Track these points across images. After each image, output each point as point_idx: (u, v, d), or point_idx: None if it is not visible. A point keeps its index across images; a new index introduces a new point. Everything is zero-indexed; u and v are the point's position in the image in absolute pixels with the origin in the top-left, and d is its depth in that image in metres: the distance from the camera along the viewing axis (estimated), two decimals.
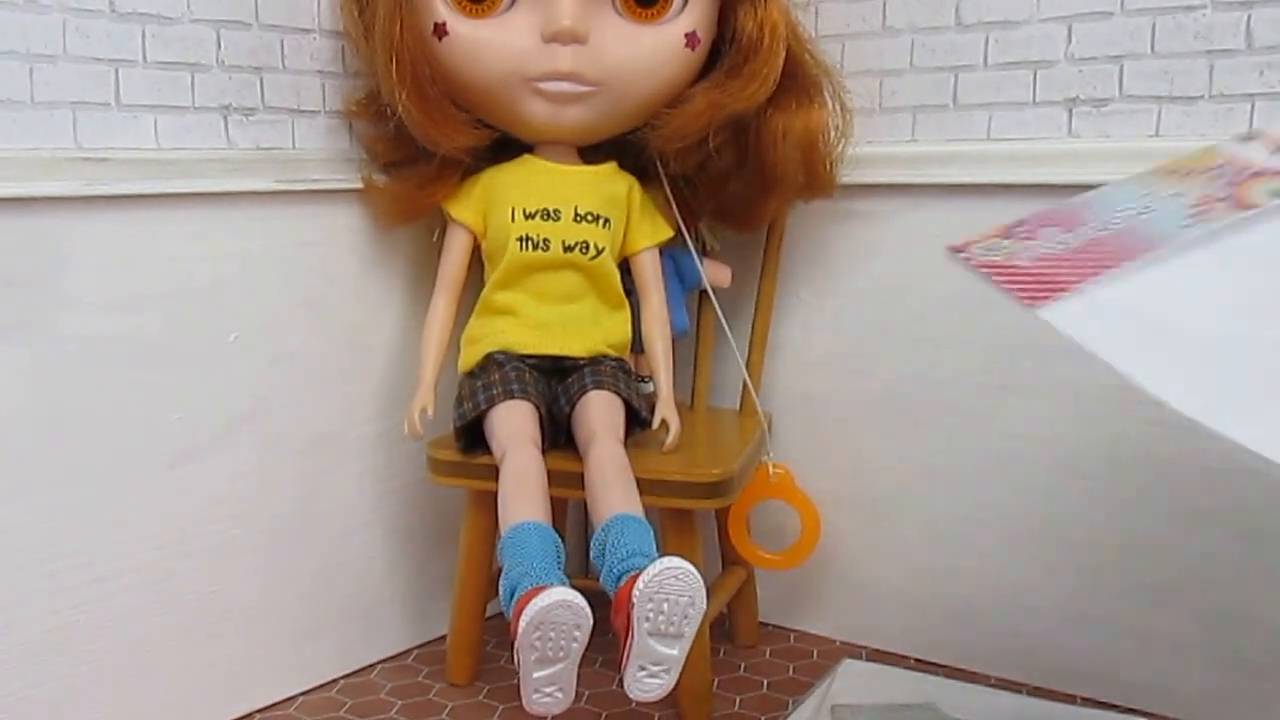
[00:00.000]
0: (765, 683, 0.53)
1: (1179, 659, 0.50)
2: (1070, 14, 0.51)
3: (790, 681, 0.53)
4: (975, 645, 0.55)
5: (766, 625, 0.61)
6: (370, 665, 0.56)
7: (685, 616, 0.40)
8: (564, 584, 0.39)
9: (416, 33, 0.49)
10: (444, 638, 0.57)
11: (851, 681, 0.49)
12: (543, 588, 0.38)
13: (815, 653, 0.52)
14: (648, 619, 0.39)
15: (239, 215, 0.49)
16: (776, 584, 0.60)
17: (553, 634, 0.38)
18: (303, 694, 0.54)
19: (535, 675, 0.39)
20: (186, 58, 0.48)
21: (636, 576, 0.40)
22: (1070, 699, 0.52)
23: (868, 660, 0.55)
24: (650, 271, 0.51)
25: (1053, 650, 0.53)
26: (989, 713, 0.46)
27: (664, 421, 0.49)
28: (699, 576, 0.40)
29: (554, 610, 0.37)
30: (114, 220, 0.46)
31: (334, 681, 0.55)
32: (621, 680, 0.41)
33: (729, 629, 0.59)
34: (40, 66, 0.44)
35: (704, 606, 0.40)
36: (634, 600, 0.39)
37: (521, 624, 0.38)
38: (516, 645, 0.38)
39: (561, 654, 0.38)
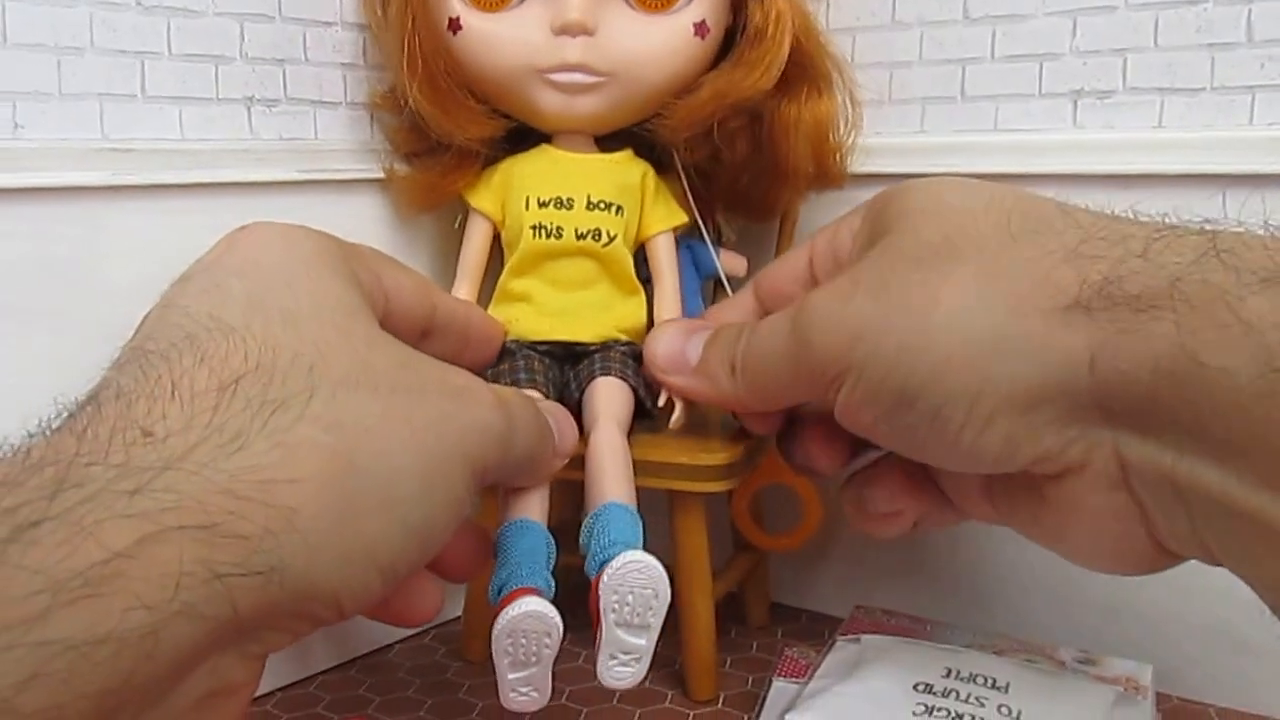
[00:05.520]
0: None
1: (1167, 632, 0.50)
2: (1075, 8, 0.50)
3: None
4: (985, 621, 0.55)
5: (780, 606, 0.60)
6: (388, 645, 0.56)
7: (649, 608, 0.39)
8: (546, 586, 0.39)
9: (430, 27, 0.48)
10: (460, 619, 0.57)
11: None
12: (520, 593, 0.38)
13: (826, 633, 0.52)
14: (614, 610, 0.39)
15: (263, 204, 0.49)
16: (789, 565, 0.60)
17: (524, 640, 0.37)
18: (323, 673, 0.53)
19: (510, 677, 0.39)
20: (211, 50, 0.47)
21: None
22: None
23: None
24: (664, 255, 0.51)
25: (1060, 626, 0.53)
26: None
27: (671, 400, 0.48)
28: (661, 569, 0.39)
29: (524, 620, 0.37)
30: (140, 209, 0.45)
31: (353, 661, 0.55)
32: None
33: (741, 610, 0.58)
34: (68, 59, 0.43)
35: (668, 598, 0.39)
36: (600, 592, 0.39)
37: (495, 631, 0.37)
38: (492, 649, 0.38)
39: (534, 659, 0.38)
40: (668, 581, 0.40)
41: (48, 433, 0.27)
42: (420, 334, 0.40)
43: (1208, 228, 0.30)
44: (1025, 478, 0.34)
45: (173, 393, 0.27)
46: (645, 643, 0.40)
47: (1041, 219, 0.33)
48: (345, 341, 0.31)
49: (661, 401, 0.48)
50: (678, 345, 0.44)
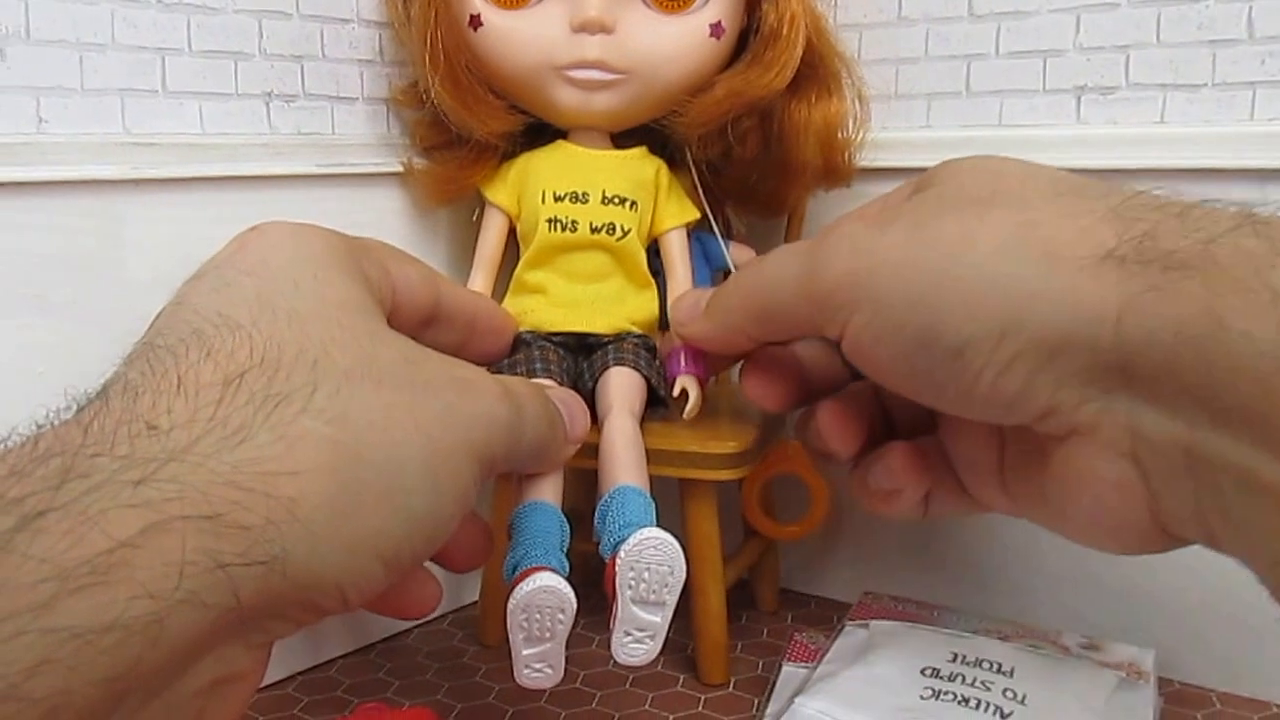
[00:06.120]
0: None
1: (1169, 618, 0.50)
2: (1078, 5, 0.50)
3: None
4: (991, 606, 0.55)
5: (789, 591, 0.60)
6: (407, 630, 0.56)
7: (665, 585, 0.39)
8: (560, 565, 0.39)
9: (452, 23, 0.48)
10: (476, 603, 0.57)
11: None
12: (534, 570, 0.38)
13: (835, 618, 0.52)
14: (630, 586, 0.39)
15: (282, 197, 0.49)
16: (799, 552, 0.60)
17: (538, 616, 0.38)
18: (342, 657, 0.53)
19: (525, 652, 0.39)
20: (230, 46, 0.47)
21: None
22: None
23: None
24: (677, 249, 0.51)
25: (1064, 612, 0.53)
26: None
27: (684, 390, 0.48)
28: (678, 546, 0.39)
29: (538, 595, 0.37)
30: (161, 202, 0.45)
31: (371, 646, 0.55)
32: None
33: (752, 595, 0.59)
34: (90, 55, 0.43)
35: (683, 575, 0.39)
36: (617, 569, 0.39)
37: (509, 606, 0.38)
38: (507, 625, 0.38)
39: (548, 634, 0.38)
40: (683, 558, 0.40)
41: (55, 424, 0.27)
42: (424, 322, 0.40)
43: (1246, 209, 0.30)
44: (1034, 442, 0.34)
45: (178, 387, 0.28)
46: (660, 620, 0.40)
47: (1086, 185, 0.33)
48: (350, 338, 0.31)
49: (676, 392, 0.48)
50: (692, 299, 0.44)
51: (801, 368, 0.42)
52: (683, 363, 0.49)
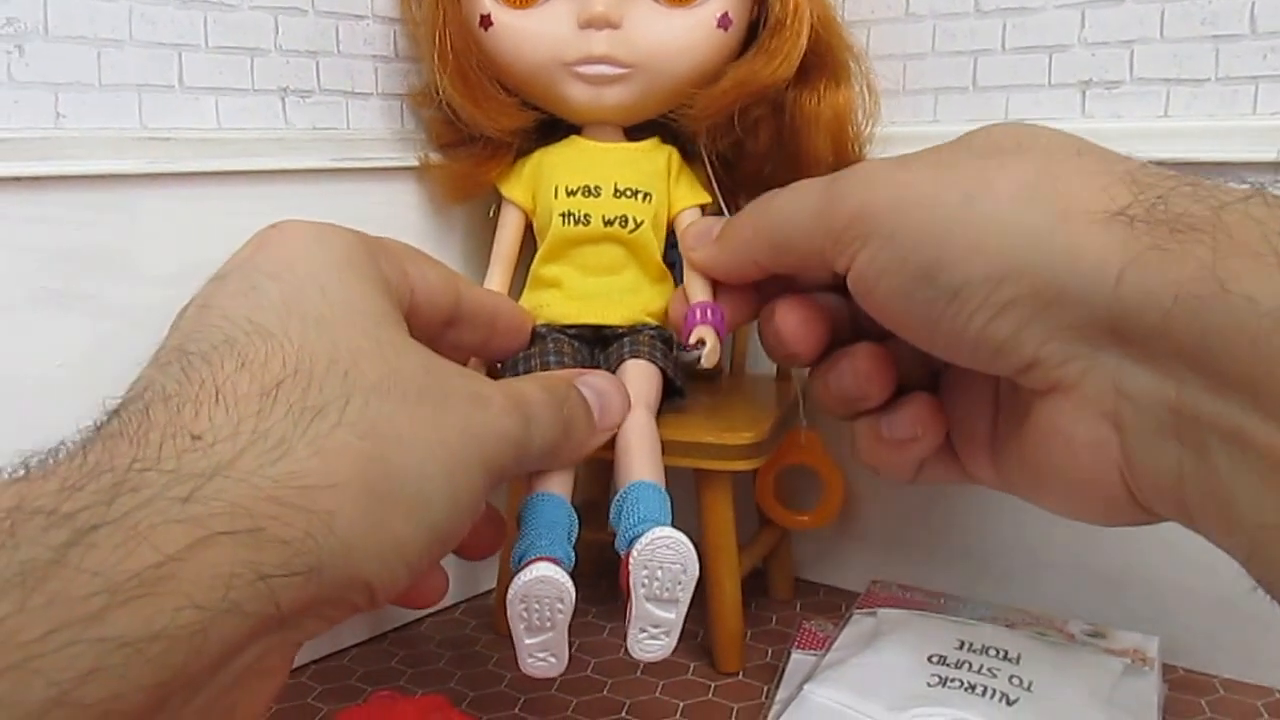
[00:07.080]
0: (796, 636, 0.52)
1: (1174, 605, 0.50)
2: (1083, 1, 0.50)
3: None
4: (997, 595, 0.55)
5: (798, 580, 0.60)
6: (420, 619, 0.56)
7: (679, 583, 0.39)
8: (565, 556, 0.39)
9: (460, 22, 0.48)
10: (490, 592, 0.57)
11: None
12: (536, 560, 0.38)
13: (844, 606, 0.52)
14: (643, 585, 0.39)
15: (296, 192, 0.48)
16: (808, 541, 0.60)
17: (537, 605, 0.38)
18: (356, 646, 0.53)
19: (526, 642, 0.39)
20: (246, 42, 0.47)
21: None
22: None
23: None
24: None
25: (1069, 599, 0.53)
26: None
27: (701, 339, 0.46)
28: (690, 545, 0.39)
29: (535, 585, 0.37)
30: (177, 196, 0.45)
31: (385, 635, 0.55)
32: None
33: (764, 584, 0.58)
34: (107, 51, 0.43)
35: (696, 573, 0.39)
36: (630, 567, 0.39)
37: (508, 596, 0.38)
38: (508, 614, 0.38)
39: (548, 624, 0.38)
40: (696, 557, 0.40)
41: (100, 435, 0.27)
42: (445, 323, 0.40)
43: (1258, 185, 0.30)
44: (1021, 400, 0.34)
45: (217, 397, 0.28)
46: (674, 616, 0.40)
47: (1108, 151, 0.33)
48: (376, 348, 0.32)
49: (693, 340, 0.46)
50: (704, 226, 0.45)
51: (831, 314, 0.41)
52: (699, 315, 0.46)
